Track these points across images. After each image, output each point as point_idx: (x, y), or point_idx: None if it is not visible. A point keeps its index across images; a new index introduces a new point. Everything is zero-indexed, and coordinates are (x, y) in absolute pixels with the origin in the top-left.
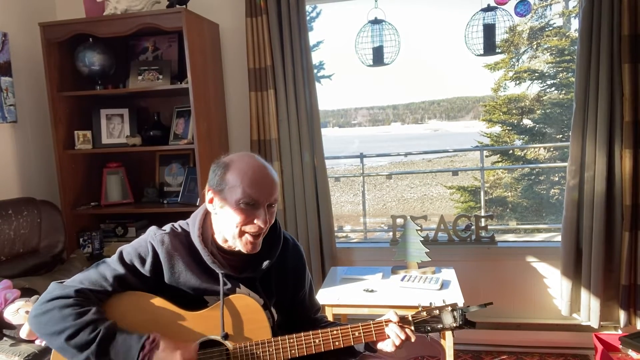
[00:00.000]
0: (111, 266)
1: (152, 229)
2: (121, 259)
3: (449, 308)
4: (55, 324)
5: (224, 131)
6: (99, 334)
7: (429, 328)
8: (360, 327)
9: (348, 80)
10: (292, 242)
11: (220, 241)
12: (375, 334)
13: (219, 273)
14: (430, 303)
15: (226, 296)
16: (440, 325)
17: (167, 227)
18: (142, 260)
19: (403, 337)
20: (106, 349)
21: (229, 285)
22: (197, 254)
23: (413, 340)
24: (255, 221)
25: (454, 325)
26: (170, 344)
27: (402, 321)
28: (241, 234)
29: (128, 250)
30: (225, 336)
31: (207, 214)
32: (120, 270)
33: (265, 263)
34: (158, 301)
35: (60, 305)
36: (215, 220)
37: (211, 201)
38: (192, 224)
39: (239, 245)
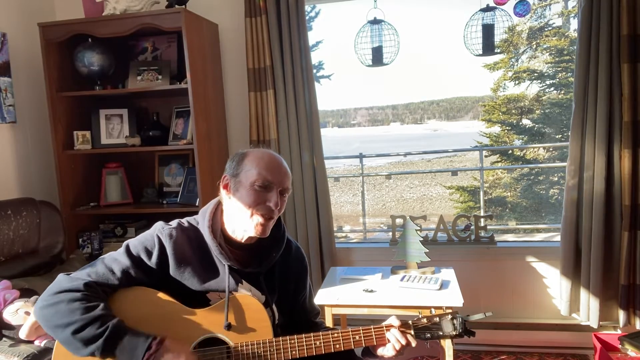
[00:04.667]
0: (118, 259)
1: (160, 223)
2: (128, 251)
3: (449, 316)
4: (62, 316)
5: (223, 131)
6: (107, 329)
7: (428, 335)
8: (361, 331)
9: (347, 80)
10: (295, 245)
11: (230, 231)
12: (375, 338)
13: (225, 265)
14: (431, 310)
15: (230, 293)
16: (440, 333)
17: (174, 222)
18: (149, 253)
19: (404, 342)
20: (113, 346)
21: (232, 280)
22: (204, 249)
23: (414, 345)
24: (267, 203)
25: (454, 333)
26: (177, 346)
27: (403, 326)
28: (252, 215)
29: (134, 243)
30: (229, 326)
31: (217, 208)
32: (127, 263)
33: (272, 256)
34: (163, 296)
35: (69, 298)
36: (227, 207)
37: (225, 187)
38: (202, 216)
39: (250, 227)
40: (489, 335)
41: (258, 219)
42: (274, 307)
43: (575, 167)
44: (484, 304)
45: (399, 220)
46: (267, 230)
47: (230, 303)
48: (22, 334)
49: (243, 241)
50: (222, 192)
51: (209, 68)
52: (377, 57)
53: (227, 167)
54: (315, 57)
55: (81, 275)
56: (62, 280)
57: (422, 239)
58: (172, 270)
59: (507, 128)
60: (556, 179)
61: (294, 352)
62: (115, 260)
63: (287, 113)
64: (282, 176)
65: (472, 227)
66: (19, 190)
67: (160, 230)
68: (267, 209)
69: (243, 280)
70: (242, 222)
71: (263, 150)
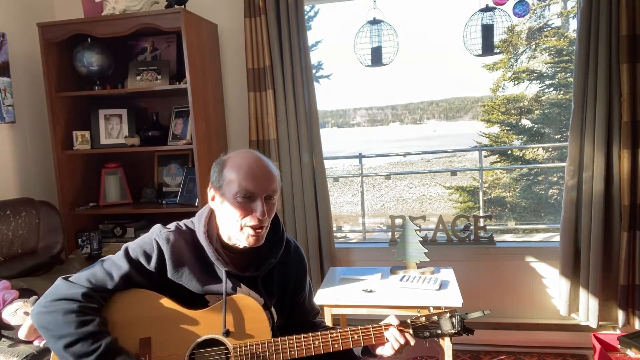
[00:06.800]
0: (117, 263)
1: (157, 226)
2: (127, 255)
3: (448, 314)
4: (57, 327)
5: (222, 131)
6: (99, 348)
7: (427, 334)
8: (360, 331)
9: (346, 80)
10: (294, 245)
11: (225, 238)
12: (374, 337)
13: (222, 270)
14: (429, 309)
15: (228, 295)
16: (438, 331)
17: (172, 226)
18: (148, 257)
19: (402, 341)
20: None
21: (230, 284)
22: (202, 253)
23: (412, 344)
24: (254, 213)
25: (452, 331)
26: None
27: (402, 325)
28: (242, 228)
29: (133, 247)
30: (227, 332)
31: (212, 212)
32: (126, 267)
33: (270, 262)
34: (162, 299)
35: (65, 309)
36: (219, 217)
37: (213, 199)
38: (197, 222)
39: (242, 239)
40: (488, 336)
41: (248, 231)
42: (272, 309)
43: (574, 168)
44: (483, 304)
45: (398, 221)
46: (261, 239)
47: (228, 304)
48: (21, 334)
49: (240, 247)
50: (211, 203)
51: (209, 68)
52: (377, 57)
53: (211, 177)
54: (314, 57)
55: (80, 281)
56: (60, 286)
57: (421, 239)
58: (170, 273)
59: (507, 128)
60: (555, 179)
61: (292, 353)
62: (114, 264)
63: (286, 113)
64: (264, 182)
65: (472, 227)
66: (18, 190)
67: (157, 234)
68: (254, 219)
69: (241, 284)
70: (233, 233)
71: (242, 155)
